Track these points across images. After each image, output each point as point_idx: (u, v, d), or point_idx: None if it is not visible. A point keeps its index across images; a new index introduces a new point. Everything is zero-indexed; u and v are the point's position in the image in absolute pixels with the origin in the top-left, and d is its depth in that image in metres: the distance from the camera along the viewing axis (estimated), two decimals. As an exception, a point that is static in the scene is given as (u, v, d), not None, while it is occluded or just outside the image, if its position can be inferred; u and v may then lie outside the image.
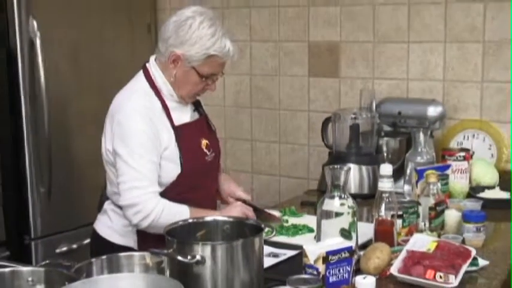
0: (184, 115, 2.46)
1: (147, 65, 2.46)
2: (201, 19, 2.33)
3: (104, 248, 2.35)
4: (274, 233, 2.46)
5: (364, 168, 3.04)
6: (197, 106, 2.56)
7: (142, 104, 2.34)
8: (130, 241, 2.41)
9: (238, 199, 2.58)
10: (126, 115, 2.32)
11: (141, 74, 2.46)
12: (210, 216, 2.02)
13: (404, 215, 2.21)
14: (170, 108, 2.40)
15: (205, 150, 2.46)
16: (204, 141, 2.47)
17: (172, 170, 2.36)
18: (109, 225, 2.48)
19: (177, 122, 2.40)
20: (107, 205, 2.50)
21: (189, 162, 2.38)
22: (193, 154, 2.41)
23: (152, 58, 2.46)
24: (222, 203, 2.69)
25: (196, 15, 2.34)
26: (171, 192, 2.34)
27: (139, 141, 2.30)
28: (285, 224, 2.57)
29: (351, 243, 1.93)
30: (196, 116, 2.54)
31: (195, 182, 2.40)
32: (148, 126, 2.31)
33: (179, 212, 2.27)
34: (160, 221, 2.22)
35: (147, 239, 2.31)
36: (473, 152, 3.06)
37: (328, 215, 2.04)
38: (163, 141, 2.34)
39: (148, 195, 2.28)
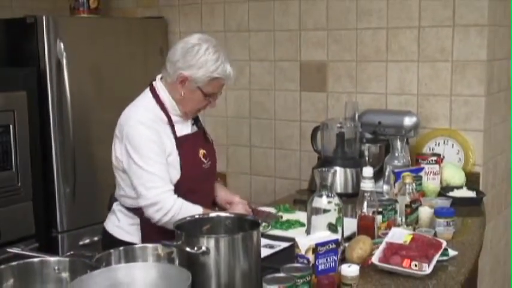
0: (185, 128, 2.45)
1: (153, 83, 2.44)
2: (206, 46, 2.32)
3: (112, 244, 2.31)
4: (270, 227, 2.46)
5: (348, 170, 3.04)
6: (196, 120, 2.54)
7: (147, 116, 2.34)
8: (135, 238, 2.38)
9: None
10: (133, 126, 2.32)
11: (147, 91, 2.44)
12: (214, 213, 2.02)
13: (383, 211, 2.20)
14: (174, 121, 2.39)
15: (202, 159, 2.45)
16: (202, 151, 2.46)
17: (173, 174, 2.34)
18: (117, 224, 2.47)
19: (179, 133, 2.39)
20: (115, 206, 2.49)
21: (188, 169, 2.37)
22: (192, 162, 2.40)
23: (158, 77, 2.45)
24: (218, 209, 2.61)
25: (202, 43, 2.33)
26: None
27: (148, 147, 2.29)
28: (280, 219, 2.56)
29: (337, 236, 1.92)
30: (195, 129, 2.51)
31: (192, 186, 2.38)
32: (153, 134, 2.31)
33: (194, 211, 2.26)
34: (179, 217, 2.17)
35: (150, 235, 2.29)
36: (444, 157, 3.05)
37: (317, 211, 2.02)
38: (167, 148, 2.34)
39: (166, 194, 2.27)
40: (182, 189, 2.34)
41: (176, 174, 2.35)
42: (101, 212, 3.54)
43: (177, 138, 2.37)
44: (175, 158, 2.35)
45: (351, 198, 2.65)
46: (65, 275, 1.81)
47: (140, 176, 2.29)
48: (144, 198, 2.28)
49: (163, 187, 2.28)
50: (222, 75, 2.33)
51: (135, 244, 2.26)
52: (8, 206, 3.12)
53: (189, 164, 2.38)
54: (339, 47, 3.49)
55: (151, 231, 2.31)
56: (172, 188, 2.31)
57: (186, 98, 2.37)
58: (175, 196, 2.29)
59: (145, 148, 2.29)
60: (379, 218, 2.18)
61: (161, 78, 2.44)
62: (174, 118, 2.40)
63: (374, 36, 3.38)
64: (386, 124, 3.16)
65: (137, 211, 2.38)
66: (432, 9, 3.19)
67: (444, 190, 2.86)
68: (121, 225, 2.45)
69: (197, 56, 2.31)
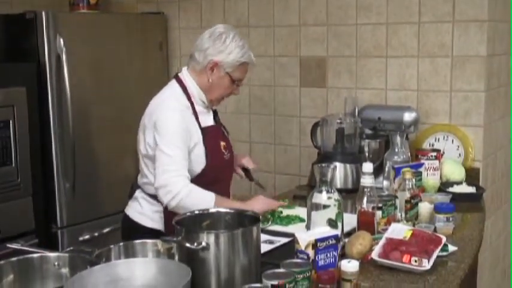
0: (208, 119, 2.54)
1: (179, 74, 2.53)
2: (233, 34, 2.47)
3: (134, 230, 2.45)
4: (270, 222, 2.46)
5: (348, 166, 3.03)
6: (215, 115, 2.62)
7: (176, 105, 2.42)
8: (159, 225, 2.45)
9: (243, 168, 2.74)
10: (163, 113, 2.39)
11: (174, 82, 2.52)
12: (214, 208, 2.02)
13: (383, 207, 2.20)
14: (198, 112, 2.47)
15: (223, 150, 2.53)
16: (222, 143, 2.55)
17: (198, 164, 2.42)
18: (139, 211, 2.53)
19: (203, 124, 2.48)
20: (138, 193, 2.55)
21: (212, 159, 2.46)
22: (215, 153, 2.49)
23: (184, 69, 2.54)
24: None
25: (228, 31, 2.47)
26: (195, 183, 2.37)
27: (174, 133, 2.36)
28: (280, 215, 2.56)
29: (337, 232, 1.91)
30: (214, 122, 2.60)
31: (216, 176, 2.46)
32: (181, 122, 2.39)
33: (205, 197, 2.32)
34: (187, 202, 2.26)
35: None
36: (443, 152, 3.05)
37: (317, 207, 2.02)
38: (193, 137, 2.41)
39: (177, 178, 2.31)
40: (207, 178, 2.41)
41: (201, 164, 2.43)
42: (101, 207, 3.56)
43: (202, 129, 2.45)
44: (200, 148, 2.43)
45: (350, 193, 2.64)
46: (65, 270, 1.81)
47: (159, 158, 2.35)
48: (156, 180, 2.34)
49: (176, 171, 2.32)
50: (248, 60, 2.48)
51: (158, 231, 2.38)
52: (8, 201, 3.11)
53: (213, 154, 2.47)
54: (339, 42, 3.49)
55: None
56: (187, 175, 2.35)
57: (214, 84, 2.47)
58: (187, 182, 2.33)
59: (171, 134, 2.35)
60: (378, 213, 2.18)
61: (188, 69, 2.52)
62: (198, 109, 2.48)
63: (374, 32, 3.37)
64: (386, 120, 3.15)
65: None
66: (432, 4, 3.18)
67: (444, 186, 2.86)
68: (144, 211, 2.51)
69: (226, 42, 2.44)
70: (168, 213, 2.38)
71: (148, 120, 2.43)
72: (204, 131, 2.46)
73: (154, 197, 2.44)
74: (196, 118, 2.45)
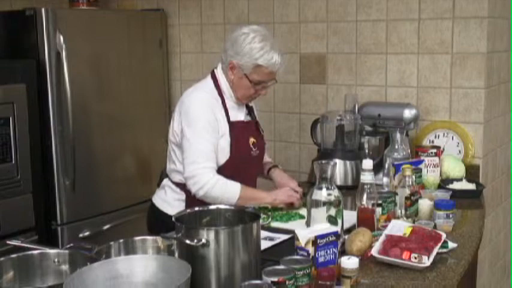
0: (239, 114, 2.59)
1: (215, 70, 2.60)
2: (254, 35, 2.47)
3: (158, 217, 2.58)
4: (270, 219, 2.46)
5: (348, 163, 3.03)
6: (251, 111, 2.69)
7: (206, 98, 2.50)
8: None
9: None
10: (193, 104, 2.48)
11: (209, 77, 2.60)
12: (214, 205, 2.02)
13: (383, 204, 2.20)
14: (228, 106, 2.54)
15: (251, 146, 2.59)
16: (252, 139, 2.60)
17: (223, 155, 2.49)
18: (163, 198, 2.62)
19: (232, 118, 2.54)
20: (165, 181, 2.64)
21: (237, 151, 2.52)
22: (241, 147, 2.54)
23: (219, 65, 2.60)
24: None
25: (250, 32, 2.48)
26: (220, 173, 2.45)
27: (201, 124, 2.44)
28: (279, 212, 2.56)
29: (337, 229, 1.91)
30: (248, 118, 2.66)
31: (239, 169, 2.51)
32: (209, 114, 2.46)
33: (231, 187, 2.41)
34: (213, 192, 2.38)
35: None
36: (443, 149, 3.05)
37: (317, 203, 2.02)
38: (221, 129, 2.48)
39: (204, 170, 2.40)
40: (229, 170, 2.48)
41: (226, 155, 2.49)
42: (101, 204, 3.55)
43: (230, 122, 2.52)
44: (226, 140, 2.50)
45: (350, 190, 2.64)
46: (65, 267, 1.81)
47: (187, 150, 2.44)
48: (185, 170, 2.44)
49: (203, 163, 2.41)
50: (265, 63, 2.46)
51: None
52: (8, 198, 3.11)
53: (239, 147, 2.52)
54: (339, 39, 3.48)
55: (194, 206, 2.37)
56: (214, 166, 2.44)
57: (235, 84, 2.53)
58: (213, 173, 2.42)
59: (198, 125, 2.44)
60: (378, 210, 2.18)
61: (221, 67, 2.60)
62: (228, 104, 2.55)
63: (374, 28, 3.37)
64: (386, 116, 3.15)
65: (184, 187, 2.51)
66: (432, 1, 3.18)
67: (444, 182, 2.86)
68: (167, 199, 2.60)
69: (243, 44, 2.46)
70: (190, 202, 2.48)
71: (178, 110, 2.53)
72: (232, 124, 2.52)
73: (179, 185, 2.55)
74: (226, 111, 2.52)
